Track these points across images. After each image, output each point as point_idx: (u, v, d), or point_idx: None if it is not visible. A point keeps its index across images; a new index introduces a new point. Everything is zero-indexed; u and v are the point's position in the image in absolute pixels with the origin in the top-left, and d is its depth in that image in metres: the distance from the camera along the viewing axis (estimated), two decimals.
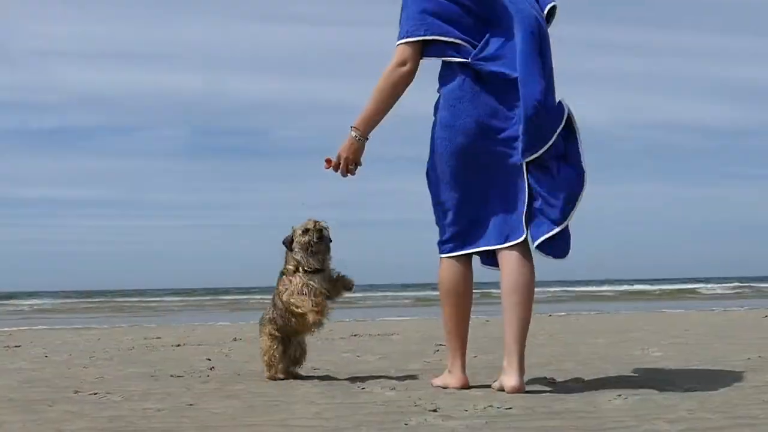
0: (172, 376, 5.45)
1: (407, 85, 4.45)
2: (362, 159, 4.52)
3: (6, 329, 12.52)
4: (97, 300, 36.37)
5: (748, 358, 5.76)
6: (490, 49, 4.37)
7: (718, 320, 10.80)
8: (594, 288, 41.78)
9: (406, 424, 3.60)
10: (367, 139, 4.48)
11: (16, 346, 8.27)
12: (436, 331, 8.79)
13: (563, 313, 14.60)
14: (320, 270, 4.96)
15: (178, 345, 8.01)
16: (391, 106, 4.46)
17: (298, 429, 3.57)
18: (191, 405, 4.23)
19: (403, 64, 4.40)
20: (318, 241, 4.90)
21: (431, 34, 4.37)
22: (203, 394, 4.59)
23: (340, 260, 5.08)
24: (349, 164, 4.50)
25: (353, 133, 4.45)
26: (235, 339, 8.64)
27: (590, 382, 4.70)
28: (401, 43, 4.40)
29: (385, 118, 4.49)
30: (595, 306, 20.70)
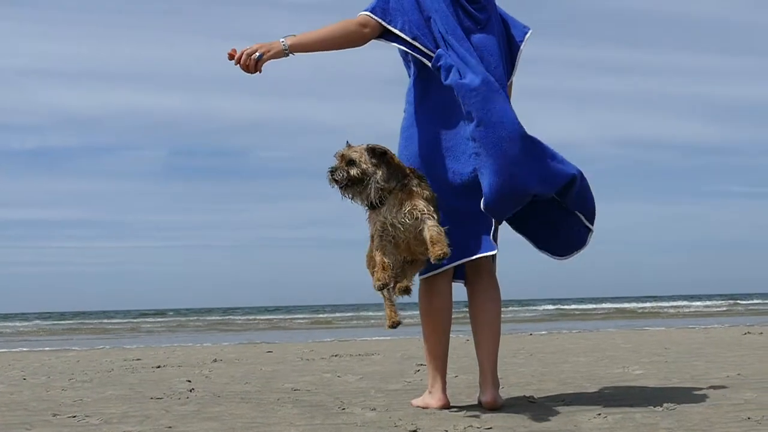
0: (151, 398, 5.42)
1: (358, 45, 4.41)
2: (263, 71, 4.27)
3: None
4: (76, 321, 36.14)
5: (727, 376, 5.78)
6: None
7: (698, 338, 10.83)
8: (574, 306, 41.83)
9: None
10: (288, 55, 4.30)
11: None
12: (417, 351, 8.78)
13: (544, 332, 14.61)
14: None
15: (158, 366, 7.97)
16: (331, 48, 4.38)
17: None
18: (170, 428, 4.21)
19: (364, 26, 4.41)
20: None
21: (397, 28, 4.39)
22: (183, 417, 4.57)
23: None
24: (261, 61, 4.23)
25: (282, 40, 4.28)
26: (215, 360, 8.60)
27: (570, 401, 4.71)
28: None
29: (316, 54, 4.39)
30: (575, 325, 20.73)
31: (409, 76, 4.57)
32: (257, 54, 4.22)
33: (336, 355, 8.78)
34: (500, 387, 4.56)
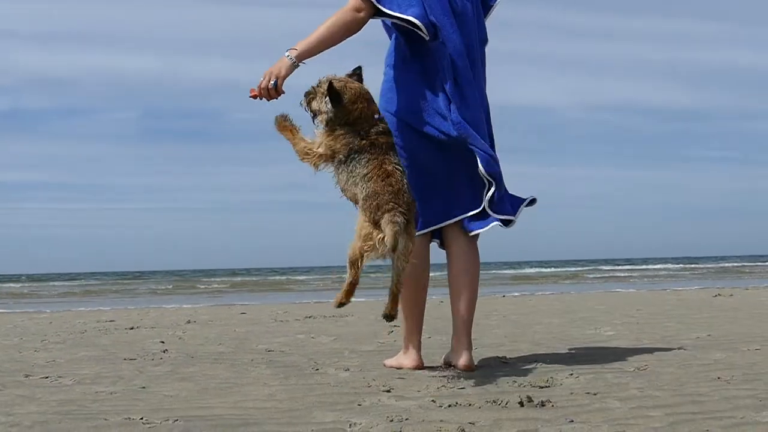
0: (125, 359, 5.42)
1: (357, 31, 4.40)
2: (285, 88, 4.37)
3: None
4: (48, 283, 36.02)
5: (697, 337, 5.83)
6: None
7: (670, 299, 10.93)
8: (549, 269, 42.08)
9: (359, 405, 3.60)
10: (298, 65, 4.35)
11: None
12: None
13: (517, 294, 14.70)
14: None
15: (131, 328, 7.96)
16: (334, 44, 4.39)
17: (252, 411, 3.56)
18: (144, 388, 4.21)
19: (358, 11, 4.38)
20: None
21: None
22: (156, 377, 4.57)
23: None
24: (279, 86, 4.32)
25: (287, 54, 4.32)
26: (188, 321, 8.60)
27: (543, 362, 4.74)
28: None
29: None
30: (548, 287, 20.86)
31: (390, 39, 4.57)
32: (272, 82, 4.31)
33: (310, 317, 8.80)
34: (474, 348, 4.59)
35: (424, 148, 4.44)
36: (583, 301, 11.31)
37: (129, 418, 3.43)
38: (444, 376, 4.27)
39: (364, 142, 4.14)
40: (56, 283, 35.59)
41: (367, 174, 4.07)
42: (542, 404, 3.49)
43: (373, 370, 4.59)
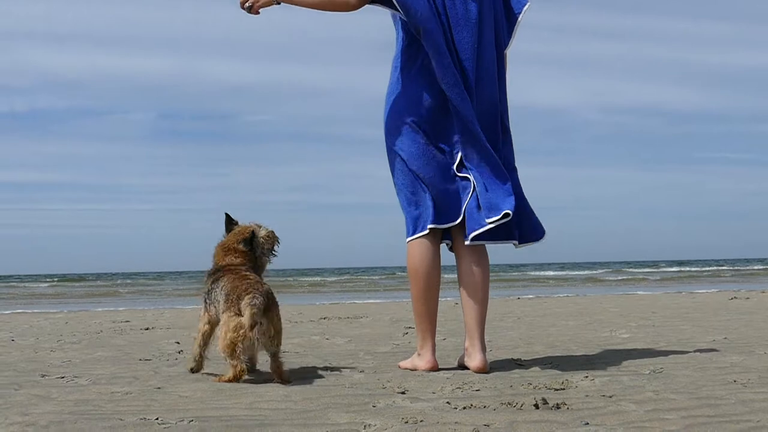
0: (140, 359, 5.43)
1: (342, 11, 4.47)
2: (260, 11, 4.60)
3: None
4: (65, 284, 36.15)
5: (714, 340, 5.81)
6: None
7: (685, 302, 10.89)
8: (564, 272, 41.98)
9: (374, 406, 3.60)
10: (279, 4, 4.54)
11: None
12: (406, 314, 8.82)
13: (531, 296, 14.67)
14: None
15: (147, 328, 7.98)
16: (317, 9, 4.50)
17: (267, 412, 3.56)
18: (159, 388, 4.22)
19: None
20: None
21: None
22: (171, 378, 4.58)
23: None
24: (254, 9, 4.57)
25: None
26: None
27: (559, 364, 4.73)
28: None
29: (304, 17, 4.69)
30: (563, 290, 20.81)
31: (397, 41, 4.58)
32: (247, 5, 4.59)
33: (325, 318, 8.80)
34: (488, 350, 4.58)
35: (423, 149, 4.45)
36: (598, 303, 11.28)
37: (144, 419, 3.43)
38: (459, 378, 4.27)
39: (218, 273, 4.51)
40: (74, 284, 35.72)
41: (224, 285, 4.37)
42: (557, 407, 3.48)
43: (388, 372, 4.59)
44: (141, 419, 3.43)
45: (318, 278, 37.29)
